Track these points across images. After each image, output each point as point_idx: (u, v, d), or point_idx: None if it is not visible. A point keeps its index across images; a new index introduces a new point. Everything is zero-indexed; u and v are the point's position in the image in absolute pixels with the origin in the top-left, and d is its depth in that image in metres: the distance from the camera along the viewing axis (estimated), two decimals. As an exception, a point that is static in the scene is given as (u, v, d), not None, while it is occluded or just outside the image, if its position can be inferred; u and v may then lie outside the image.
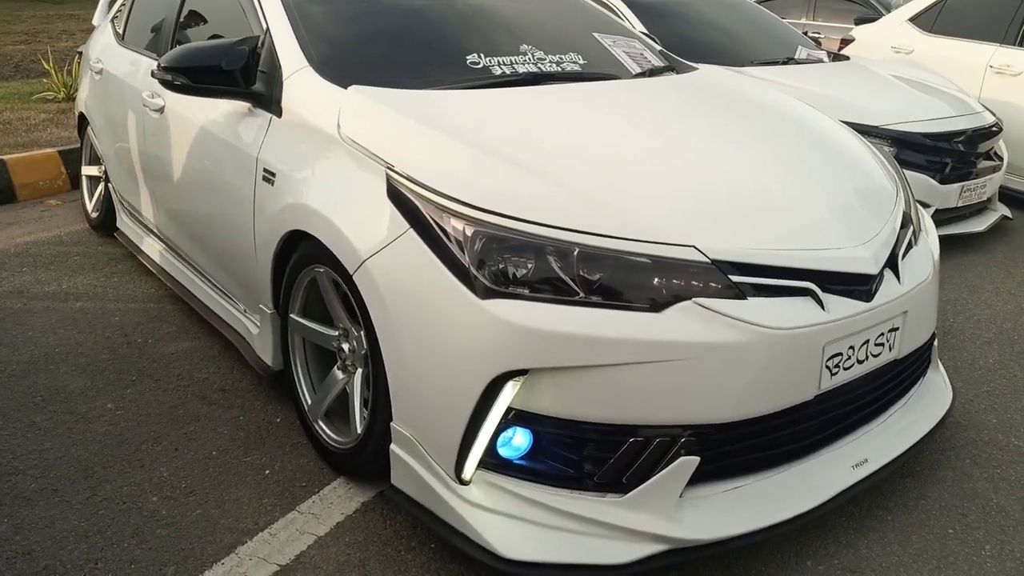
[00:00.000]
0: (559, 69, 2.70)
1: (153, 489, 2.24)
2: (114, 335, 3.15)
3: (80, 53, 5.18)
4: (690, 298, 1.76)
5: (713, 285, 1.79)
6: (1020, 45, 5.32)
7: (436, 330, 1.82)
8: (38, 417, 2.58)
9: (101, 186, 4.15)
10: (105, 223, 4.14)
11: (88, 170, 4.35)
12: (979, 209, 4.62)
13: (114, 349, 3.04)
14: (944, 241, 2.50)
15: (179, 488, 2.24)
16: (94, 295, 3.52)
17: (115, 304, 3.43)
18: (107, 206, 4.08)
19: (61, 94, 6.92)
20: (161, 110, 3.08)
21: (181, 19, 3.29)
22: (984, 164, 4.46)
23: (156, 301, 3.46)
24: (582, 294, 1.75)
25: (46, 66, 7.23)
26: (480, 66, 2.58)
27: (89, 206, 4.34)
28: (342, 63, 2.47)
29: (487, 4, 3.06)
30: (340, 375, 2.28)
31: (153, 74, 2.53)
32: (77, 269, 3.81)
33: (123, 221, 3.97)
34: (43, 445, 2.43)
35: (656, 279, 1.78)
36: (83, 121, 4.25)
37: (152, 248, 3.59)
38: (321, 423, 2.34)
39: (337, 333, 2.25)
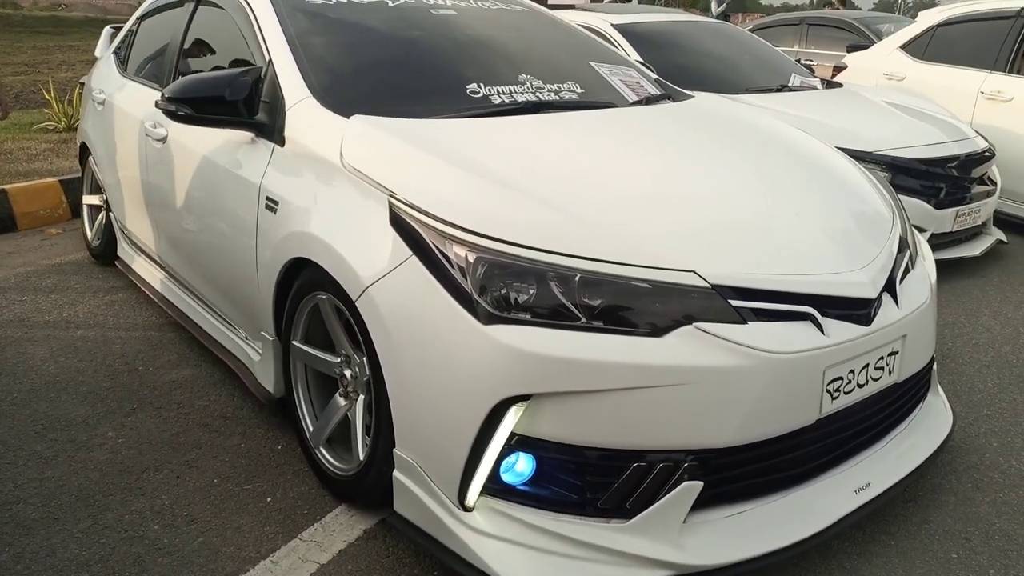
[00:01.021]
0: (557, 98, 2.74)
1: (154, 517, 2.23)
2: (115, 363, 3.15)
3: (82, 84, 5.22)
4: (691, 323, 1.78)
5: (713, 310, 1.80)
6: (1010, 71, 5.40)
7: (439, 356, 1.83)
8: (39, 445, 2.57)
9: (102, 215, 4.17)
10: (105, 252, 4.15)
11: (89, 199, 4.37)
12: (974, 234, 4.66)
13: (115, 377, 3.04)
14: (940, 265, 2.52)
15: (180, 516, 2.24)
16: (94, 323, 3.52)
17: (115, 332, 3.43)
18: (108, 235, 4.10)
19: (62, 124, 6.98)
20: (163, 140, 3.11)
21: (184, 50, 3.34)
22: (978, 189, 4.51)
23: (157, 329, 3.47)
24: (584, 319, 1.77)
25: (47, 96, 7.30)
26: (480, 95, 2.62)
27: (90, 235, 4.36)
28: (344, 93, 2.50)
29: (485, 34, 3.10)
30: (342, 402, 2.29)
31: (157, 104, 2.57)
32: (77, 297, 3.82)
33: (124, 250, 3.98)
34: (44, 473, 2.42)
35: (657, 304, 1.79)
36: (85, 151, 4.28)
37: (153, 276, 3.61)
38: (323, 450, 2.34)
39: (339, 360, 2.26)
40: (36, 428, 2.68)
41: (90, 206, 4.38)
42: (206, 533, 2.17)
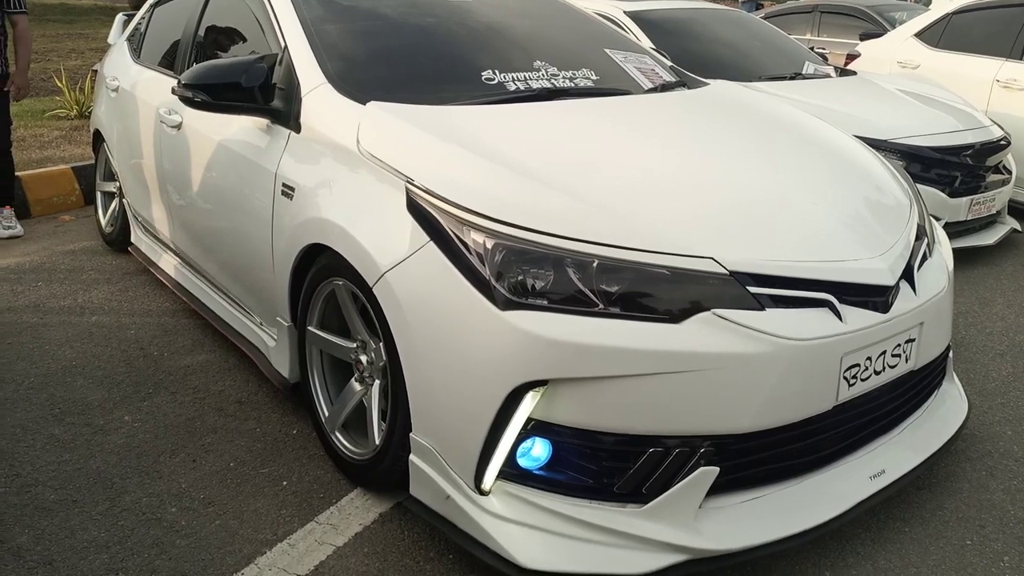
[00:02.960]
0: (572, 85, 2.73)
1: (172, 500, 2.25)
2: (130, 348, 3.17)
3: (95, 71, 5.23)
4: (709, 309, 1.78)
5: (731, 296, 1.80)
6: (1026, 60, 5.36)
7: (457, 341, 1.83)
8: (56, 429, 2.60)
9: (115, 201, 4.19)
10: (119, 238, 4.17)
11: (103, 186, 4.39)
12: (989, 222, 4.64)
13: (130, 362, 3.06)
14: (954, 254, 2.52)
15: (198, 499, 2.26)
16: (109, 309, 3.54)
17: (130, 318, 3.46)
18: (121, 221, 4.12)
19: (73, 112, 6.99)
20: (178, 126, 3.11)
21: (198, 37, 3.34)
22: (993, 178, 4.48)
23: (171, 315, 3.49)
24: (601, 305, 1.77)
25: (59, 84, 7.31)
26: (495, 82, 2.61)
27: (103, 221, 4.38)
28: (359, 80, 2.50)
29: (500, 21, 3.09)
30: (357, 387, 2.30)
31: (174, 91, 2.57)
32: (92, 283, 3.84)
33: (137, 236, 4.00)
34: (62, 457, 2.45)
35: (675, 290, 1.79)
36: (98, 138, 4.30)
37: (167, 262, 3.62)
38: (338, 434, 2.36)
39: (355, 345, 2.27)
40: (53, 412, 2.70)
41: (104, 193, 4.40)
42: (223, 516, 2.19)
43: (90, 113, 4.82)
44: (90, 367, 3.02)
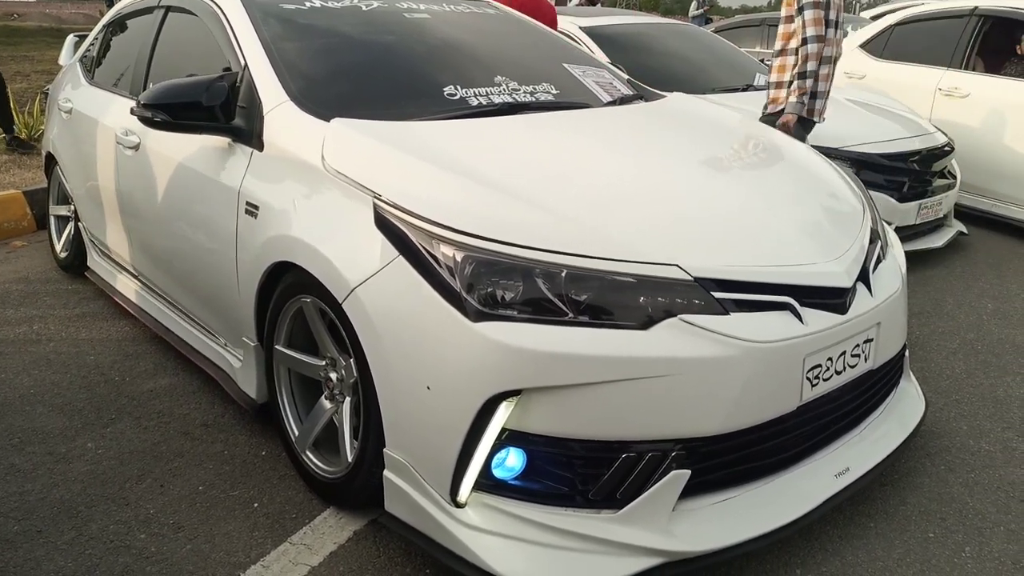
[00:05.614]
0: (533, 99, 2.77)
1: (140, 527, 2.21)
2: (90, 374, 3.11)
3: (44, 93, 5.14)
4: (675, 315, 1.82)
5: (696, 302, 1.85)
6: (966, 69, 5.56)
7: (429, 354, 1.84)
8: (17, 459, 2.53)
9: (70, 226, 4.11)
10: (75, 263, 4.09)
11: (57, 210, 4.30)
12: (936, 226, 4.79)
13: (91, 388, 3.00)
14: (906, 257, 2.60)
15: (167, 524, 2.22)
16: (67, 335, 3.47)
17: (89, 344, 3.39)
18: (77, 246, 4.04)
19: (22, 135, 6.82)
20: (136, 147, 3.08)
21: (154, 57, 3.31)
22: (939, 182, 4.64)
23: (131, 339, 3.43)
24: (571, 314, 1.80)
25: (6, 107, 7.12)
26: (457, 97, 2.64)
27: (58, 246, 4.29)
28: (322, 97, 2.50)
29: (460, 38, 3.13)
30: (327, 404, 2.29)
31: (133, 111, 2.54)
32: (48, 309, 3.75)
33: (94, 260, 3.92)
34: (24, 487, 2.39)
35: (642, 297, 1.83)
36: (51, 161, 4.21)
37: (126, 286, 3.56)
38: (309, 454, 2.34)
39: (324, 363, 2.26)
40: (12, 442, 2.63)
41: (57, 217, 4.31)
42: (194, 540, 2.16)
43: (40, 136, 4.72)
44: (49, 394, 2.95)
